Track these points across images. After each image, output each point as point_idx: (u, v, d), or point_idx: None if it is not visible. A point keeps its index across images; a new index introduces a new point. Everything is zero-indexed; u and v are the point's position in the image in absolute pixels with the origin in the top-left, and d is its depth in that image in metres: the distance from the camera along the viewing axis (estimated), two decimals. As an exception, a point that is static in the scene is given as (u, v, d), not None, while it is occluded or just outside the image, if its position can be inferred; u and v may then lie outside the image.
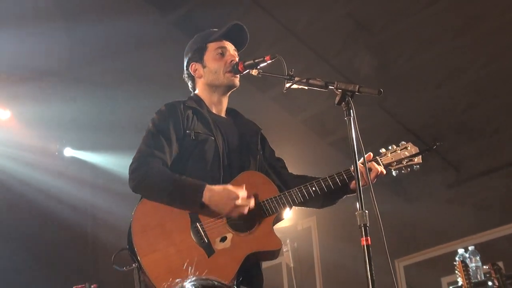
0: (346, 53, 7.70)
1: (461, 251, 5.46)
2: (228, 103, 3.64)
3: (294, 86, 3.15)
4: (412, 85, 8.07)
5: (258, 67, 3.32)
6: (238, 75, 3.48)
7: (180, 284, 1.79)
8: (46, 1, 6.31)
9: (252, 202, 3.17)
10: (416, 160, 3.38)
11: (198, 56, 3.56)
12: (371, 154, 3.38)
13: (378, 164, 3.35)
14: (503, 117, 8.27)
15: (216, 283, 1.81)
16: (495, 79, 7.80)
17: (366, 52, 7.63)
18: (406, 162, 3.38)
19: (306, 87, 3.15)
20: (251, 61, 3.35)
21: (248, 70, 3.37)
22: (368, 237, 2.68)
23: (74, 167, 7.71)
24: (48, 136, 7.47)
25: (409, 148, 3.41)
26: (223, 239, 3.16)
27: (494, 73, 7.70)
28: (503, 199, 8.33)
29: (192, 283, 1.79)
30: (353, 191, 3.29)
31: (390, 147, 3.43)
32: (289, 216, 7.41)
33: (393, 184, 8.89)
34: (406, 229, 8.69)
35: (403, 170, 3.40)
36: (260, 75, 3.32)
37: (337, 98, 2.91)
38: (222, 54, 3.52)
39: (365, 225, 2.70)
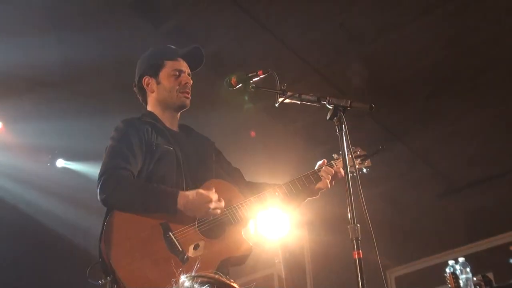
0: (337, 64, 7.72)
1: (451, 262, 5.47)
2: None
3: (287, 100, 3.21)
4: (403, 96, 8.10)
5: (251, 81, 3.35)
6: (189, 96, 3.64)
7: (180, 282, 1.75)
8: (39, 12, 6.31)
9: (222, 204, 3.28)
10: (366, 163, 3.62)
11: (153, 71, 3.69)
12: (325, 161, 3.64)
13: (332, 167, 3.60)
14: (493, 127, 8.30)
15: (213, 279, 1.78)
16: (486, 90, 7.84)
17: (358, 63, 7.66)
18: (359, 164, 3.59)
19: (299, 102, 3.20)
20: (244, 75, 3.38)
21: (240, 85, 3.39)
22: (360, 251, 2.72)
23: (66, 178, 7.67)
24: (40, 147, 7.44)
25: (358, 152, 3.65)
26: (196, 246, 3.22)
27: (485, 83, 7.74)
28: (493, 209, 8.35)
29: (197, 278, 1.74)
30: (316, 193, 3.55)
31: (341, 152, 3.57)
32: (281, 226, 7.38)
33: (384, 194, 8.90)
34: (397, 239, 8.70)
35: (354, 173, 3.47)
36: (253, 90, 3.36)
37: (329, 113, 2.96)
38: (178, 75, 3.64)
39: (356, 239, 2.74)
